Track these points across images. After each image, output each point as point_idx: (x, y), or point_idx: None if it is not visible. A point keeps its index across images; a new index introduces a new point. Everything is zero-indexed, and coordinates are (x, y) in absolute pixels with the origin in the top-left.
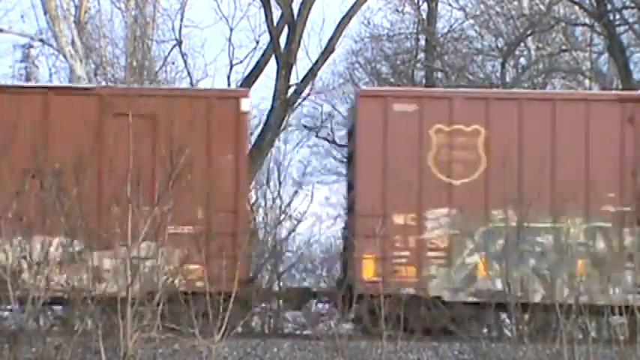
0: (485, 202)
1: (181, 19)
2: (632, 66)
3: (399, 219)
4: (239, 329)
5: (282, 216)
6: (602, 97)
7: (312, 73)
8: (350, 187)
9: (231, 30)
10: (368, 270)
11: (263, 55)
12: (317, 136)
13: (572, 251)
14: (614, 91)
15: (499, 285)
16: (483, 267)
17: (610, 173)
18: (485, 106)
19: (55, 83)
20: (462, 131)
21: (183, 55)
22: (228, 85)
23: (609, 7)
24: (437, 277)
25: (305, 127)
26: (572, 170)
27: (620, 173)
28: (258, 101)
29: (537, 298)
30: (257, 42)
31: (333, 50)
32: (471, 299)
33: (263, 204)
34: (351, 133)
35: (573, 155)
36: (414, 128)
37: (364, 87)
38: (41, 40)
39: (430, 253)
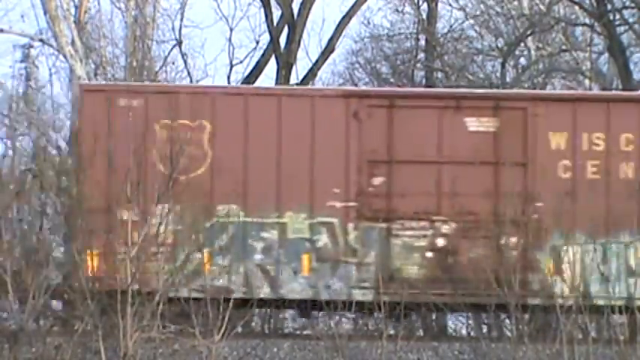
0: (211, 197)
1: (181, 19)
2: (632, 66)
3: (123, 214)
4: (239, 329)
5: None
6: (327, 93)
7: (312, 73)
8: None
9: (231, 30)
10: (92, 265)
11: (263, 55)
12: None
13: (297, 246)
14: (339, 87)
15: (223, 280)
16: (208, 262)
17: (335, 169)
18: (211, 101)
19: None
20: (188, 126)
21: (183, 55)
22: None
23: (609, 7)
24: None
25: None
26: (298, 166)
27: (345, 169)
28: None
29: (263, 294)
30: (257, 42)
31: (333, 50)
32: (194, 295)
33: None
34: (77, 130)
35: (299, 151)
36: (139, 123)
37: (86, 81)
38: (41, 40)
39: (155, 249)
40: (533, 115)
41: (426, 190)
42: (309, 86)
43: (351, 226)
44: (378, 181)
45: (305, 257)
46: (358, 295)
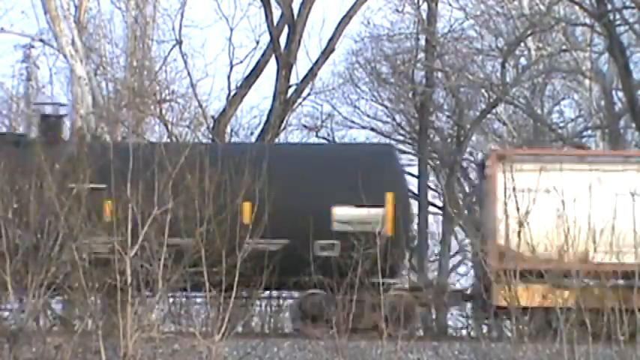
0: None
1: (181, 19)
2: (632, 66)
3: None
4: (239, 329)
5: None
6: None
7: (312, 73)
8: None
9: (231, 30)
10: None
11: (263, 55)
12: (317, 136)
13: None
14: None
15: None
16: None
17: None
18: None
19: None
20: None
21: (183, 55)
22: (229, 85)
23: (609, 7)
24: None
25: (305, 127)
26: None
27: None
28: (258, 101)
29: None
30: (257, 42)
31: (333, 50)
32: None
33: None
34: None
35: None
36: None
37: None
38: (42, 41)
39: None
40: None
41: None
42: None
43: None
44: None
45: None
46: None
